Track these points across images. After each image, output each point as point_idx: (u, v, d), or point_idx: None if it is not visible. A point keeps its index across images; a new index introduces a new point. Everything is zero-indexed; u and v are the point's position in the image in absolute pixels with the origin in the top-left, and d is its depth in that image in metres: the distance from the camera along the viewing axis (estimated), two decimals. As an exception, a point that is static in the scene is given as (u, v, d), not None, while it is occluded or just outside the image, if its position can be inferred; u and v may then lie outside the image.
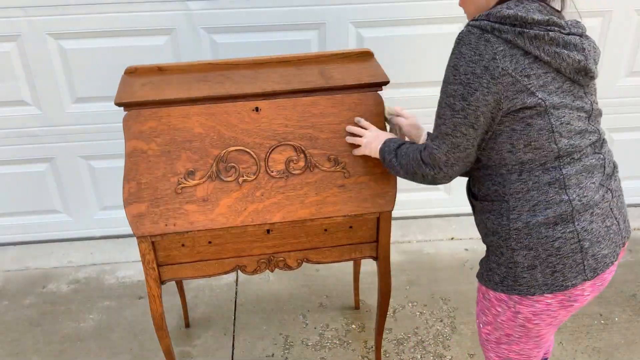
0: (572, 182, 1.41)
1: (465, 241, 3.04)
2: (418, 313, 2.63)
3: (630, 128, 3.02)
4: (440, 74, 2.81)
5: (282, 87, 1.86)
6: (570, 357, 2.41)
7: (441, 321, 2.58)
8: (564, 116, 1.39)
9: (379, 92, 1.91)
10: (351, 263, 2.63)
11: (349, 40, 2.66)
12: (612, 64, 2.82)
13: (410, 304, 2.68)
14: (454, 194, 3.12)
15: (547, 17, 1.37)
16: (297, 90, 1.86)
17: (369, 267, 2.73)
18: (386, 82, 1.91)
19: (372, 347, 2.45)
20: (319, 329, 2.55)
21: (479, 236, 3.32)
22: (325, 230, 1.86)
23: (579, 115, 1.42)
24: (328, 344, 2.48)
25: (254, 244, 1.84)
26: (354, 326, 2.57)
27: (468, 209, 3.16)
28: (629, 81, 2.88)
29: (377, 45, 2.51)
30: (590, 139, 1.44)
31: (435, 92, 2.79)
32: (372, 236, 1.91)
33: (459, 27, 2.67)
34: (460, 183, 3.10)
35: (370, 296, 2.67)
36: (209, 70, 1.97)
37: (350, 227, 1.87)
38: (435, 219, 3.18)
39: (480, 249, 2.99)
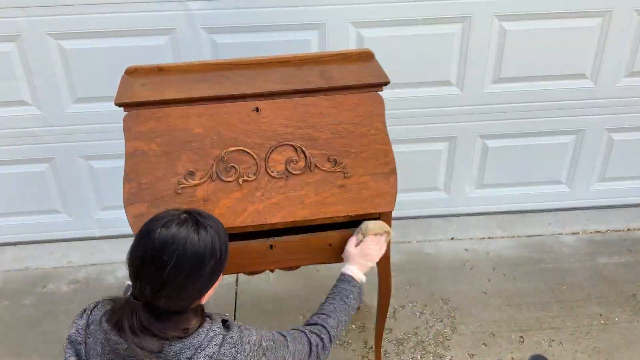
0: None
1: (465, 241, 3.04)
2: (418, 313, 2.63)
3: (630, 128, 3.02)
4: (439, 74, 2.83)
5: (282, 88, 1.86)
6: (570, 357, 2.41)
7: (441, 321, 2.58)
8: None
9: (379, 92, 1.91)
10: (351, 263, 2.63)
11: (349, 40, 2.66)
12: (612, 64, 2.82)
13: (410, 304, 2.68)
14: (454, 194, 3.12)
15: None
16: (297, 91, 1.86)
17: (369, 267, 2.72)
18: (386, 82, 1.91)
19: (372, 347, 2.45)
20: (319, 329, 2.55)
21: (479, 236, 3.31)
22: (330, 245, 1.85)
23: None
24: (328, 344, 2.48)
25: (256, 260, 1.83)
26: (354, 326, 2.57)
27: (468, 209, 3.20)
28: (629, 81, 2.88)
29: (377, 45, 2.50)
30: None
31: (435, 91, 2.82)
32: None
33: (459, 27, 2.67)
34: (459, 183, 3.12)
35: (370, 296, 2.67)
36: (209, 71, 1.97)
37: None
38: (435, 219, 3.17)
39: (481, 248, 2.99)
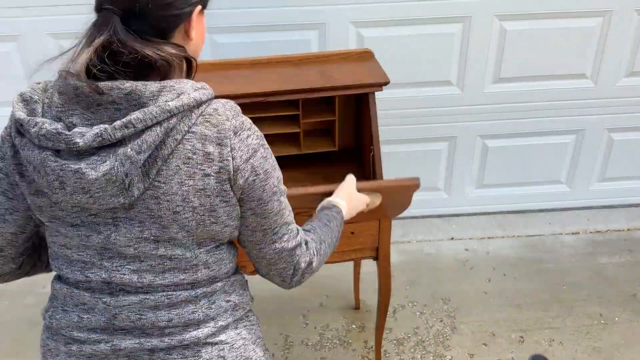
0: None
1: (465, 241, 3.04)
2: (418, 313, 2.63)
3: (630, 128, 3.02)
4: (439, 74, 2.83)
5: (282, 87, 1.86)
6: (570, 357, 2.41)
7: (441, 321, 2.58)
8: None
9: (379, 92, 1.91)
10: (351, 263, 2.63)
11: (349, 40, 2.66)
12: (612, 64, 2.82)
13: (410, 304, 2.68)
14: (454, 194, 3.12)
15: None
16: (297, 91, 1.86)
17: (369, 267, 2.72)
18: (386, 82, 1.91)
19: (372, 347, 2.45)
20: (319, 329, 2.55)
21: (479, 236, 3.31)
22: None
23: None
24: (328, 344, 2.48)
25: None
26: (354, 326, 2.57)
27: (468, 209, 3.20)
28: (629, 81, 2.88)
29: (377, 45, 2.50)
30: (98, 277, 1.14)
31: (435, 92, 2.81)
32: (373, 242, 1.90)
33: (459, 27, 2.67)
34: (459, 183, 3.11)
35: (370, 296, 2.67)
36: (208, 70, 1.97)
37: (352, 233, 1.86)
38: (435, 219, 3.18)
39: (481, 248, 2.99)
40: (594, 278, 2.80)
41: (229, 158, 1.07)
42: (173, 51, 1.07)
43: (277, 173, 1.16)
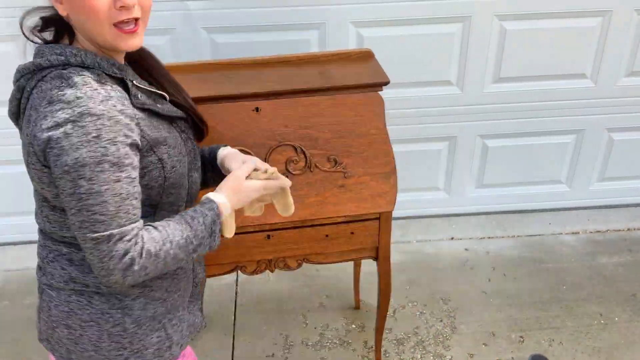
0: None
1: (465, 241, 3.04)
2: (418, 313, 2.63)
3: (630, 128, 3.02)
4: (439, 74, 2.83)
5: (282, 87, 1.86)
6: (570, 357, 2.41)
7: (441, 321, 2.58)
8: None
9: (379, 92, 1.91)
10: (351, 263, 2.63)
11: (349, 40, 2.66)
12: (612, 64, 2.82)
13: (410, 304, 2.68)
14: (454, 194, 3.12)
15: None
16: (297, 91, 1.86)
17: (369, 267, 2.72)
18: (386, 82, 1.91)
19: (372, 347, 2.45)
20: (319, 329, 2.55)
21: (479, 236, 3.31)
22: (327, 236, 1.85)
23: None
24: (328, 344, 2.48)
25: (253, 249, 1.83)
26: (354, 326, 2.57)
27: (468, 209, 3.19)
28: (629, 81, 2.88)
29: (377, 45, 2.50)
30: None
31: (435, 92, 2.81)
32: (373, 242, 1.90)
33: (459, 27, 2.67)
34: (459, 183, 3.11)
35: (370, 296, 2.67)
36: (209, 71, 1.97)
37: (352, 233, 1.86)
38: (435, 219, 3.18)
39: (481, 248, 2.99)
40: (594, 278, 2.81)
41: (32, 124, 1.16)
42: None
43: (79, 155, 1.09)
